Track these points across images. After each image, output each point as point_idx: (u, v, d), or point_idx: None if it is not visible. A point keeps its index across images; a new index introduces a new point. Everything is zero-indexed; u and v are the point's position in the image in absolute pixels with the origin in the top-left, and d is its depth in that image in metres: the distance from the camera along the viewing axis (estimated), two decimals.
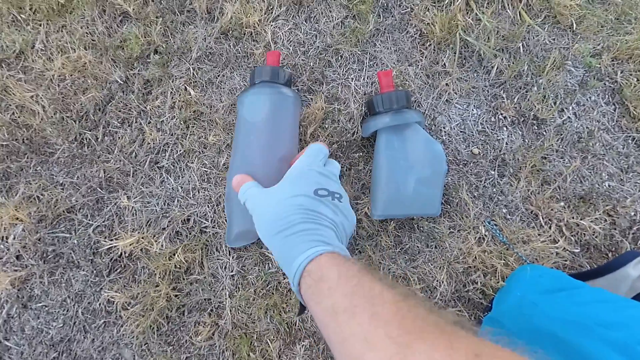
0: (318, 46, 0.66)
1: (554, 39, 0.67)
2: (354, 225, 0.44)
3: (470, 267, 0.62)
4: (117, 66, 0.66)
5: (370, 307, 0.25)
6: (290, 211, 0.37)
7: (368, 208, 0.63)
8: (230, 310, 0.62)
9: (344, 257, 0.31)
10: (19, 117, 0.65)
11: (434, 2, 0.67)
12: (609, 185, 0.64)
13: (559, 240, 0.62)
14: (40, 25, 0.66)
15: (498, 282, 0.60)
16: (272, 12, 0.66)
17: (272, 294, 0.62)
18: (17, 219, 0.63)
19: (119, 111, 0.65)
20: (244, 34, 0.66)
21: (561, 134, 0.65)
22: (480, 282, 0.61)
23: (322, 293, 0.29)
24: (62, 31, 0.66)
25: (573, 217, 0.62)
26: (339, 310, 0.26)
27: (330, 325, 0.27)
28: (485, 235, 0.63)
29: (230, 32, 0.66)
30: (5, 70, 0.66)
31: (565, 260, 0.61)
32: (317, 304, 0.29)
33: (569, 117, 0.65)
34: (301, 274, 0.31)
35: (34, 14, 0.67)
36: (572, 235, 0.62)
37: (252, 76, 0.57)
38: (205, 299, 0.63)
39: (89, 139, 0.65)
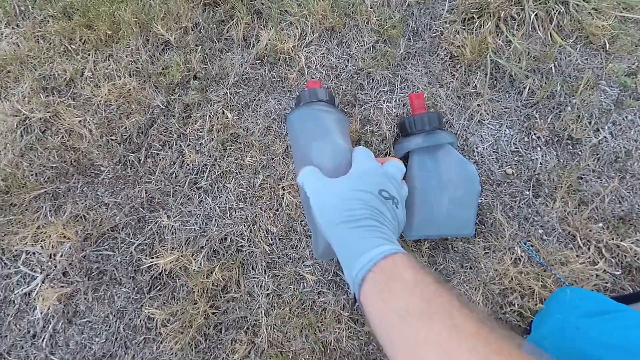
0: (350, 70, 0.69)
1: (586, 59, 0.68)
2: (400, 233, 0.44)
3: (506, 288, 0.62)
4: (159, 92, 0.70)
5: (450, 318, 0.25)
6: (356, 205, 0.36)
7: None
8: (266, 329, 0.64)
9: (420, 262, 0.32)
10: (67, 141, 0.70)
11: (464, 25, 0.69)
12: None
13: (598, 262, 0.62)
14: (89, 55, 0.72)
15: (536, 305, 0.60)
16: (305, 39, 0.70)
17: (307, 313, 0.64)
18: (65, 237, 0.68)
19: (160, 134, 0.69)
20: (279, 60, 0.70)
21: (597, 154, 0.65)
22: (518, 304, 0.61)
23: (392, 292, 0.28)
24: (109, 60, 0.71)
25: (613, 239, 0.62)
26: (412, 314, 0.26)
27: (397, 326, 0.26)
28: (521, 256, 0.63)
29: (266, 58, 0.70)
30: (57, 97, 0.71)
31: (606, 283, 0.61)
32: (384, 302, 0.28)
33: (605, 137, 0.66)
34: (370, 268, 0.30)
35: (83, 45, 0.72)
36: (612, 257, 0.62)
37: (299, 99, 0.60)
38: (241, 317, 0.65)
39: (132, 161, 0.69)
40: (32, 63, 0.73)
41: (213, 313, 0.65)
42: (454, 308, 0.26)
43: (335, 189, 0.39)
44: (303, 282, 0.65)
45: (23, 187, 0.69)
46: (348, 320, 0.62)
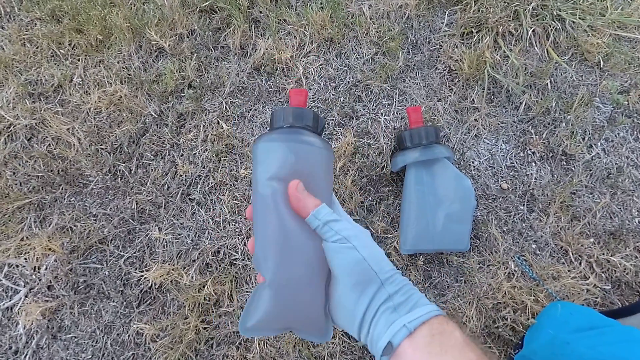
0: (348, 81, 0.74)
1: (581, 76, 0.74)
2: None
3: (500, 302, 0.68)
4: (151, 100, 0.74)
5: None
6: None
7: (397, 242, 0.70)
8: (259, 344, 0.68)
9: (447, 320, 0.34)
10: (55, 149, 0.73)
11: (463, 40, 0.75)
12: (639, 222, 0.70)
13: (589, 277, 0.68)
14: (78, 60, 0.75)
15: (528, 319, 0.66)
16: (303, 49, 0.75)
17: None
18: (50, 249, 0.71)
19: (153, 144, 0.73)
20: (276, 70, 0.74)
21: (590, 170, 0.72)
22: (510, 319, 0.67)
23: (443, 347, 0.31)
24: (99, 66, 0.74)
25: (603, 254, 0.68)
26: None
27: None
28: (515, 270, 0.69)
29: (263, 67, 0.74)
30: (44, 103, 0.74)
31: (596, 297, 0.67)
32: (432, 357, 0.31)
33: (597, 153, 0.72)
34: (423, 322, 0.32)
35: (72, 49, 0.76)
36: (602, 272, 0.68)
37: (271, 120, 0.42)
38: (234, 332, 0.69)
39: (123, 171, 0.72)
40: (17, 67, 0.75)
41: (204, 328, 0.68)
42: None
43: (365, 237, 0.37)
44: None
45: (6, 197, 0.71)
46: (342, 335, 0.67)
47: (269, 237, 0.38)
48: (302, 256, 0.38)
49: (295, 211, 0.36)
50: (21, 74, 0.75)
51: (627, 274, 0.68)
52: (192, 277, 0.70)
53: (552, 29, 0.74)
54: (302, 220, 0.36)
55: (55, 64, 0.75)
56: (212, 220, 0.71)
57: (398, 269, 0.37)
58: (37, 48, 0.76)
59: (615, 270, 0.68)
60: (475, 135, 0.73)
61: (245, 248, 0.71)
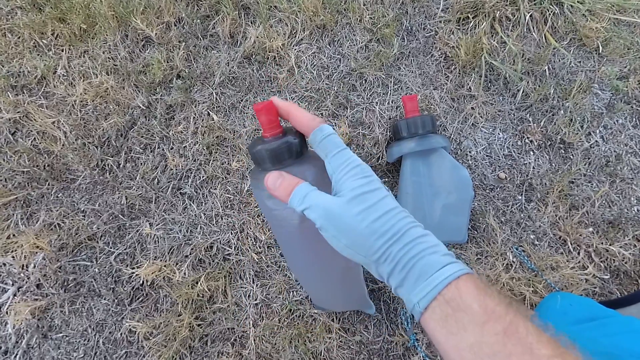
0: (342, 70, 0.71)
1: (579, 62, 0.72)
2: None
3: None
4: (139, 91, 0.70)
5: (530, 358, 0.24)
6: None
7: None
8: (255, 340, 0.65)
9: (483, 282, 0.29)
10: (40, 144, 0.69)
11: (459, 25, 0.72)
12: (638, 210, 0.68)
13: (588, 267, 0.66)
14: (62, 51, 0.71)
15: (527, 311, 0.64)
16: (295, 36, 0.71)
17: (297, 323, 0.66)
18: (38, 247, 0.67)
19: (141, 137, 0.70)
20: (267, 58, 0.71)
21: (589, 158, 0.69)
22: None
23: (460, 324, 0.27)
24: (84, 56, 0.71)
25: (602, 243, 0.66)
26: (487, 353, 0.25)
27: None
28: (513, 261, 0.67)
29: (254, 56, 0.71)
30: (27, 96, 0.70)
31: (595, 287, 0.65)
32: (452, 336, 0.27)
33: (596, 141, 0.70)
34: (434, 297, 0.28)
35: (55, 39, 0.72)
36: (601, 262, 0.66)
37: (254, 155, 0.38)
38: (228, 329, 0.66)
39: (111, 165, 0.69)
40: None
41: (198, 325, 0.66)
42: (533, 340, 0.25)
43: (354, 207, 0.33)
44: (293, 291, 0.67)
45: None
46: (339, 330, 0.65)
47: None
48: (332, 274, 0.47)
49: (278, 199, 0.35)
50: (3, 66, 0.71)
51: (626, 263, 0.66)
52: (184, 274, 0.67)
53: (550, 14, 0.71)
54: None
55: (38, 54, 0.71)
56: (204, 214, 0.68)
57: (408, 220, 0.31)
58: (18, 38, 0.72)
59: (614, 260, 0.66)
60: (472, 124, 0.70)
61: (239, 243, 0.68)
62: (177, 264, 0.67)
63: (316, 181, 0.35)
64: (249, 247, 0.67)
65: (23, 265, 0.68)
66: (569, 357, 0.24)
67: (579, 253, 0.67)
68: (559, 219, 0.68)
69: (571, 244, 0.67)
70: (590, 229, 0.67)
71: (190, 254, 0.67)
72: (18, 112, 0.70)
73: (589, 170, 0.69)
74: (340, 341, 0.65)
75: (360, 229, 0.30)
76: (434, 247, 0.30)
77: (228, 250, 0.68)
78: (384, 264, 0.30)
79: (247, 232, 0.68)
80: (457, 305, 0.27)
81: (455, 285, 0.28)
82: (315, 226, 0.33)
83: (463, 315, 0.27)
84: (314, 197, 0.32)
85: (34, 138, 0.70)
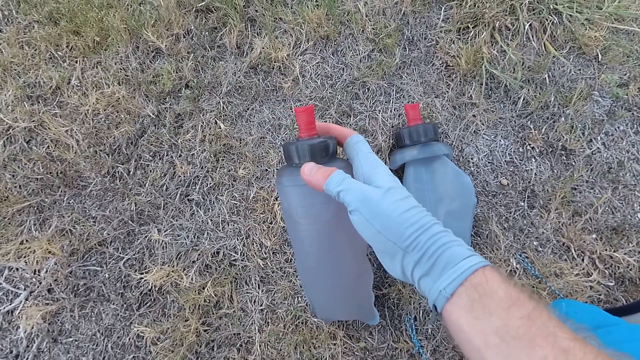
0: (345, 79, 0.72)
1: (579, 70, 0.72)
2: None
3: None
4: (149, 101, 0.72)
5: (554, 340, 0.25)
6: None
7: None
8: (260, 346, 0.65)
9: (505, 274, 0.31)
10: (53, 151, 0.71)
11: (459, 35, 0.73)
12: None
13: (592, 274, 0.65)
14: (76, 62, 0.73)
15: None
16: (300, 47, 0.72)
17: (302, 329, 0.66)
18: (50, 252, 0.69)
19: (151, 145, 0.71)
20: (273, 68, 0.72)
21: (591, 165, 0.69)
22: None
23: (486, 309, 0.28)
24: (97, 67, 0.73)
25: (606, 250, 0.66)
26: (512, 336, 0.26)
27: (495, 348, 0.26)
28: (517, 268, 0.66)
29: (260, 66, 0.72)
30: (42, 105, 0.72)
31: (600, 294, 0.65)
32: (478, 321, 0.28)
33: (598, 148, 0.70)
34: (461, 282, 0.29)
35: (70, 51, 0.74)
36: (605, 268, 0.65)
37: (294, 151, 0.41)
38: (234, 334, 0.66)
39: (121, 173, 0.70)
40: (15, 70, 0.74)
41: (205, 330, 0.66)
42: (557, 328, 0.26)
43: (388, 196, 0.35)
44: (298, 297, 0.67)
45: (5, 200, 0.69)
46: (344, 336, 0.65)
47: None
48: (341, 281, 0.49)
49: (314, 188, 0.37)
50: (19, 77, 0.73)
51: (630, 269, 0.65)
52: (191, 279, 0.67)
53: (549, 23, 0.72)
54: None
55: (53, 66, 0.73)
56: (211, 220, 0.69)
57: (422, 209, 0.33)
58: (35, 50, 0.74)
59: (618, 267, 0.65)
60: (474, 131, 0.71)
61: (244, 248, 0.68)
62: (184, 269, 0.68)
63: None
64: (255, 253, 0.68)
65: (35, 270, 0.69)
66: (589, 343, 0.25)
67: (583, 260, 0.66)
68: (562, 225, 0.67)
69: (575, 251, 0.66)
70: (594, 236, 0.67)
71: (197, 259, 0.68)
72: (33, 121, 0.71)
73: (591, 177, 0.69)
74: (345, 347, 0.64)
75: (394, 215, 0.32)
76: (457, 240, 0.32)
77: (234, 256, 0.68)
78: (412, 252, 0.32)
79: (253, 238, 0.68)
80: (483, 290, 0.29)
81: (482, 272, 0.30)
82: (346, 213, 0.35)
83: (489, 300, 0.28)
84: (350, 181, 0.35)
85: (48, 146, 0.71)
